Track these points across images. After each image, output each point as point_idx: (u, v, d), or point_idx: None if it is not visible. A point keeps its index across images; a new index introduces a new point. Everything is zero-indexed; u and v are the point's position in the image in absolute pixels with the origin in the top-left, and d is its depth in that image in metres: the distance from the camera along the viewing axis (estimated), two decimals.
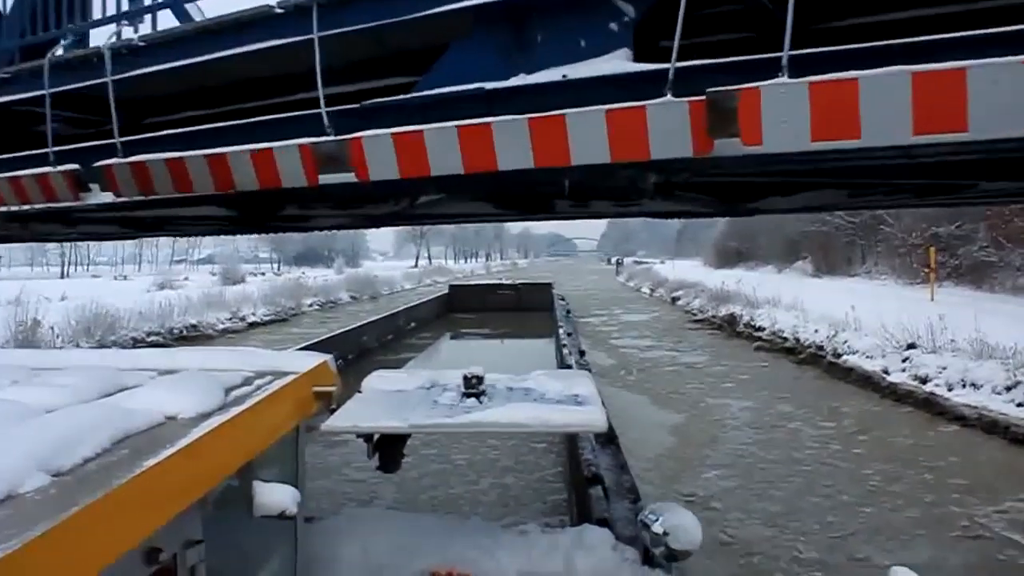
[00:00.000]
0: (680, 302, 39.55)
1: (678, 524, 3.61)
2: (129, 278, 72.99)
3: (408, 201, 5.28)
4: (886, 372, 16.69)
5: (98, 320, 24.43)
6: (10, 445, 2.00)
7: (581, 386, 4.11)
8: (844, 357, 19.01)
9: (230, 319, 33.44)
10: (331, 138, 4.10)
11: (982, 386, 14.01)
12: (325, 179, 4.12)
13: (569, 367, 14.35)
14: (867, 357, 18.05)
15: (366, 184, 3.94)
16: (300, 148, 4.15)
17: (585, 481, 7.19)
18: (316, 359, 3.66)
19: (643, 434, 12.63)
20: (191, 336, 28.53)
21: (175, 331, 28.46)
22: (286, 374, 3.38)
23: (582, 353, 18.78)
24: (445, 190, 4.74)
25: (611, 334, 27.59)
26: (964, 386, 14.35)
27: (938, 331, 16.40)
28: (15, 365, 3.56)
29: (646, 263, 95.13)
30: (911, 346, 16.90)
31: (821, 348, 20.65)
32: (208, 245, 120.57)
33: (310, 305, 42.25)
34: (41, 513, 1.72)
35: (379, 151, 3.88)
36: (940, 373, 15.15)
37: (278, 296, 39.96)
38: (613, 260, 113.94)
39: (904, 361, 16.53)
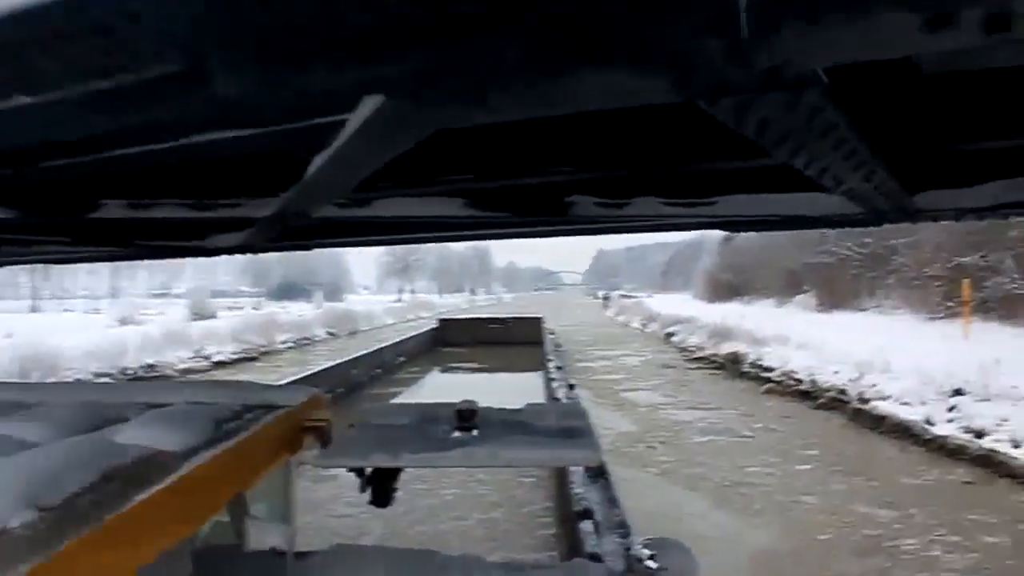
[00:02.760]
0: (675, 339, 37.19)
1: (675, 560, 3.57)
2: (102, 312, 71.39)
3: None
4: (929, 423, 14.44)
5: (37, 361, 22.10)
6: None
7: (575, 419, 3.96)
8: (873, 403, 16.77)
9: (193, 357, 31.29)
10: None
11: None
12: None
13: (558, 400, 14.47)
14: (902, 404, 15.83)
15: None
16: None
17: (575, 515, 7.21)
18: (308, 393, 3.72)
19: None
20: (146, 378, 26.08)
21: (128, 371, 26.25)
22: (277, 408, 3.35)
23: (571, 387, 17.85)
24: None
25: (618, 383, 24.05)
26: None
27: (992, 374, 14.15)
28: None
29: (634, 297, 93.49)
30: (957, 392, 14.65)
31: (843, 392, 18.41)
32: (190, 278, 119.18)
33: (283, 342, 39.85)
34: (29, 549, 1.71)
35: None
36: (999, 426, 12.92)
37: (248, 333, 37.67)
38: (600, 294, 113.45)
39: (951, 410, 14.29)
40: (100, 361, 25.75)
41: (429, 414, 4.10)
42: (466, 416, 3.78)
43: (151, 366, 27.74)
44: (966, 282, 24.78)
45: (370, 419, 4.12)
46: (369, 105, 1.26)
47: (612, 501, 7.89)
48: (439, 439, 3.64)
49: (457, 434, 3.69)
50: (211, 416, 2.91)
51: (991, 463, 12.39)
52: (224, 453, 2.65)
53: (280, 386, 4.95)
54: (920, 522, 10.12)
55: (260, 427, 3.06)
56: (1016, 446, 12.32)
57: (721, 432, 16.12)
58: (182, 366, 29.57)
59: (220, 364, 31.78)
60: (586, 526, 6.78)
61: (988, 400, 13.96)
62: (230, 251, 5.40)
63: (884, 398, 16.60)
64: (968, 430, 13.48)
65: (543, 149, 2.96)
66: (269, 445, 3.15)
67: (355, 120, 1.35)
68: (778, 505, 10.99)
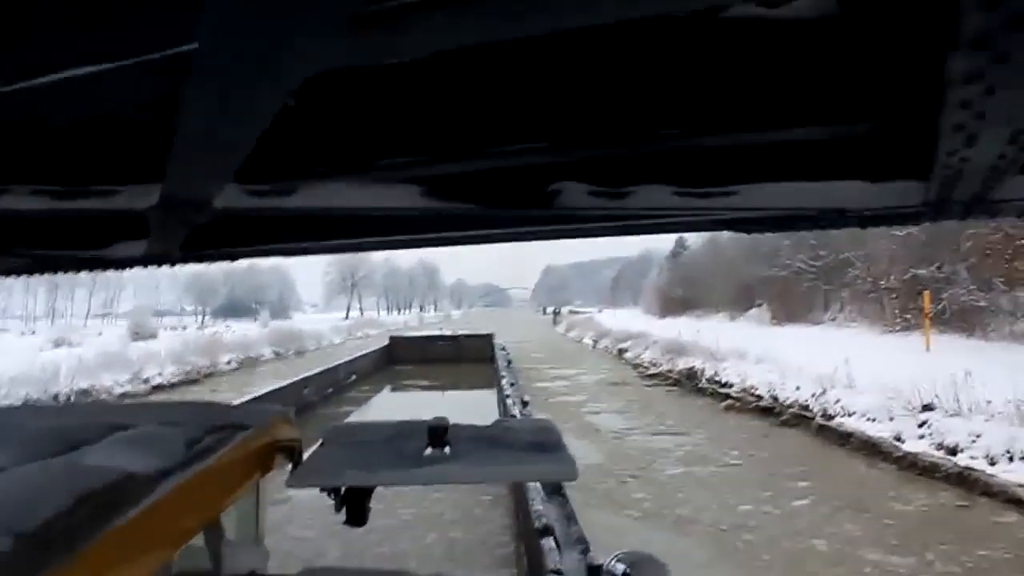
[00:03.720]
0: (628, 354, 36.63)
1: (648, 573, 3.39)
2: (38, 333, 69.13)
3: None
4: (899, 439, 13.97)
5: None
6: None
7: (547, 434, 3.71)
8: (839, 419, 16.29)
9: (130, 381, 29.68)
10: None
11: None
12: None
13: (514, 417, 13.36)
14: (869, 420, 15.36)
15: None
16: None
17: (536, 532, 7.07)
18: (276, 412, 3.59)
19: None
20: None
21: (60, 398, 24.64)
22: (246, 428, 3.11)
23: (525, 403, 16.94)
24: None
25: (580, 405, 22.74)
26: (1012, 459, 11.64)
27: (963, 389, 13.71)
28: None
29: (584, 312, 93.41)
30: (927, 407, 14.19)
31: (807, 408, 17.93)
32: (132, 297, 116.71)
33: (227, 363, 38.33)
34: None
35: None
36: (974, 442, 12.45)
37: (190, 353, 36.07)
38: (549, 310, 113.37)
39: (922, 426, 13.82)
40: (29, 387, 24.09)
41: (399, 431, 3.95)
42: (438, 433, 3.69)
43: (85, 391, 26.17)
44: (926, 293, 24.60)
45: (340, 437, 3.96)
46: None
47: (570, 518, 7.81)
48: (411, 456, 3.57)
49: (429, 451, 3.61)
50: (181, 437, 2.79)
51: (966, 481, 11.92)
52: (198, 475, 2.56)
53: (248, 405, 5.14)
54: (944, 571, 9.21)
55: (232, 447, 2.94)
56: (992, 463, 11.85)
57: (696, 460, 14.87)
58: (119, 391, 28.01)
59: (159, 388, 30.25)
60: (547, 543, 6.59)
61: (959, 415, 13.50)
62: (140, 262, 4.57)
63: (849, 414, 16.13)
64: (940, 446, 13.01)
65: (515, 117, 2.24)
66: (241, 466, 3.06)
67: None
68: (787, 555, 9.72)
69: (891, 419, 14.77)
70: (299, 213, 2.96)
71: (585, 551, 6.59)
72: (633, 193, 2.78)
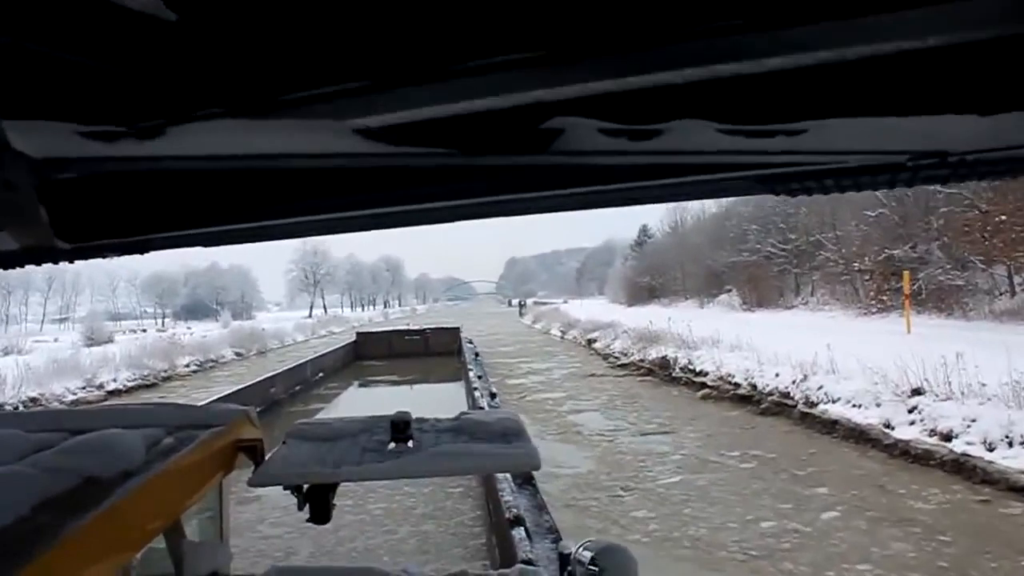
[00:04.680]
0: (597, 344, 35.99)
1: (613, 560, 3.28)
2: None
3: None
4: (888, 426, 13.41)
5: None
6: None
7: (510, 425, 3.68)
8: (822, 406, 15.73)
9: (84, 388, 28.70)
10: None
11: None
12: None
13: (481, 409, 13.44)
14: (854, 406, 14.82)
15: None
16: None
17: (507, 523, 7.23)
18: (238, 411, 3.58)
19: None
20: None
21: (7, 408, 23.48)
22: (207, 427, 3.18)
23: (493, 396, 17.57)
24: None
25: (559, 404, 21.22)
26: (1011, 444, 11.08)
27: (954, 371, 13.14)
28: None
29: (550, 303, 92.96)
30: (916, 391, 13.62)
31: (787, 396, 17.38)
32: (87, 302, 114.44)
33: (186, 366, 37.28)
34: None
35: None
36: (969, 427, 11.89)
37: (147, 357, 34.95)
38: (515, 302, 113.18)
39: (912, 411, 13.26)
40: None
41: (362, 427, 3.92)
42: (400, 427, 3.67)
43: (33, 400, 25.02)
44: (906, 274, 24.14)
45: (302, 435, 3.88)
46: None
47: (540, 507, 8.13)
48: (375, 451, 3.55)
49: (393, 445, 3.61)
50: (141, 440, 2.81)
51: (963, 468, 11.37)
52: (158, 476, 2.56)
53: (209, 406, 4.82)
54: None
55: (193, 448, 2.96)
56: (991, 448, 11.30)
57: (692, 466, 13.42)
58: (71, 398, 27.06)
59: (114, 392, 29.30)
60: (518, 533, 6.82)
61: (951, 399, 12.93)
62: (19, 259, 3.78)
63: (833, 400, 15.60)
64: (933, 432, 12.46)
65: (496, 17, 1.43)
66: (203, 467, 3.08)
67: None
68: None
69: (878, 405, 14.21)
70: (198, 165, 2.14)
71: (556, 540, 6.73)
72: (666, 131, 1.93)
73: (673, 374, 24.30)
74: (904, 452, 12.60)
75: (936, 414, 12.68)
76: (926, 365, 13.70)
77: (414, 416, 3.83)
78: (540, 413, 19.26)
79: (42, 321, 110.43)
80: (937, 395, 13.20)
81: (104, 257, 4.36)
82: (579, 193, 2.45)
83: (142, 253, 4.64)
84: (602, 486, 12.38)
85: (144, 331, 73.63)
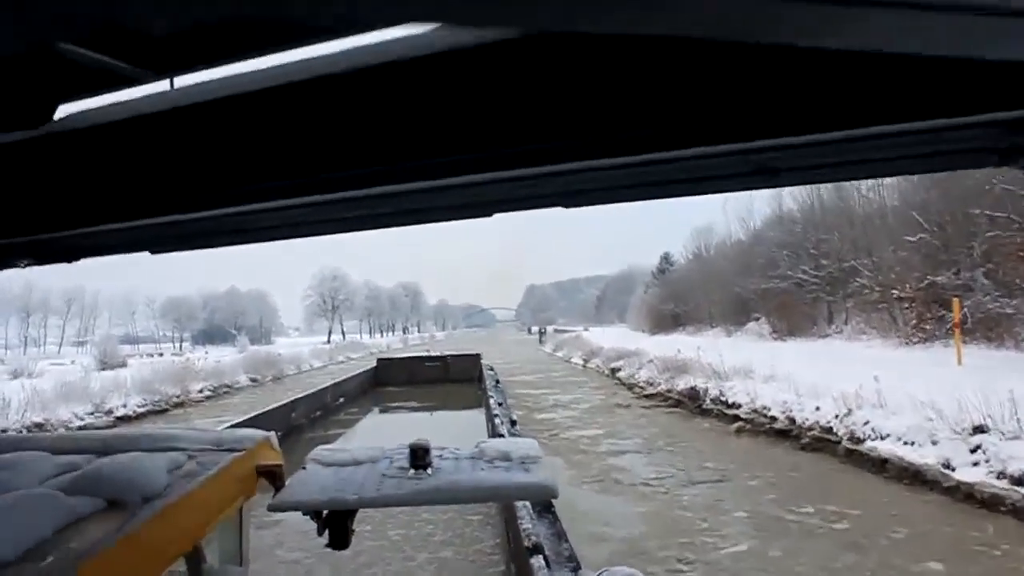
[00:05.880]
0: (621, 374, 34.79)
1: None
2: (5, 362, 66.91)
3: None
4: (948, 467, 12.23)
5: None
6: None
7: (528, 452, 3.90)
8: (869, 443, 14.58)
9: (92, 413, 27.82)
10: None
11: None
12: None
13: (503, 436, 13.36)
14: (906, 443, 13.64)
15: None
16: None
17: (526, 551, 7.08)
18: (259, 436, 3.71)
19: None
20: None
21: (9, 433, 22.66)
22: (229, 452, 3.35)
23: (513, 423, 16.93)
24: None
25: (596, 443, 19.17)
26: None
27: (1022, 406, 12.01)
28: None
29: (570, 331, 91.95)
30: (979, 429, 12.45)
31: (829, 431, 16.22)
32: (103, 324, 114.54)
33: (199, 391, 36.48)
34: None
35: None
36: None
37: (159, 382, 34.07)
38: (535, 329, 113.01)
39: (974, 451, 12.09)
40: None
41: (381, 454, 4.07)
42: (419, 455, 3.77)
43: (38, 426, 24.20)
44: (956, 301, 22.82)
45: (322, 460, 4.03)
46: None
47: (560, 535, 7.98)
48: (394, 478, 3.65)
49: (412, 472, 3.71)
50: (164, 463, 2.88)
51: None
52: (180, 501, 2.63)
53: (231, 430, 4.64)
54: None
55: (215, 472, 3.03)
56: None
57: (759, 524, 11.29)
58: (78, 423, 25.97)
59: (124, 419, 28.31)
60: (537, 561, 6.69)
61: (1020, 438, 11.76)
62: None
63: (882, 437, 14.43)
64: (1002, 475, 11.29)
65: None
66: (224, 491, 3.11)
67: None
68: None
69: (934, 443, 13.05)
70: None
71: (575, 568, 6.77)
72: None
73: (703, 406, 23.17)
74: (968, 496, 11.45)
75: (1004, 454, 11.52)
76: (988, 400, 12.55)
77: (433, 443, 3.95)
78: (575, 454, 17.59)
79: (60, 343, 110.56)
80: (1004, 433, 12.02)
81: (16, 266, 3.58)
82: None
83: (68, 261, 3.84)
84: (653, 555, 10.25)
85: (160, 355, 73.58)
